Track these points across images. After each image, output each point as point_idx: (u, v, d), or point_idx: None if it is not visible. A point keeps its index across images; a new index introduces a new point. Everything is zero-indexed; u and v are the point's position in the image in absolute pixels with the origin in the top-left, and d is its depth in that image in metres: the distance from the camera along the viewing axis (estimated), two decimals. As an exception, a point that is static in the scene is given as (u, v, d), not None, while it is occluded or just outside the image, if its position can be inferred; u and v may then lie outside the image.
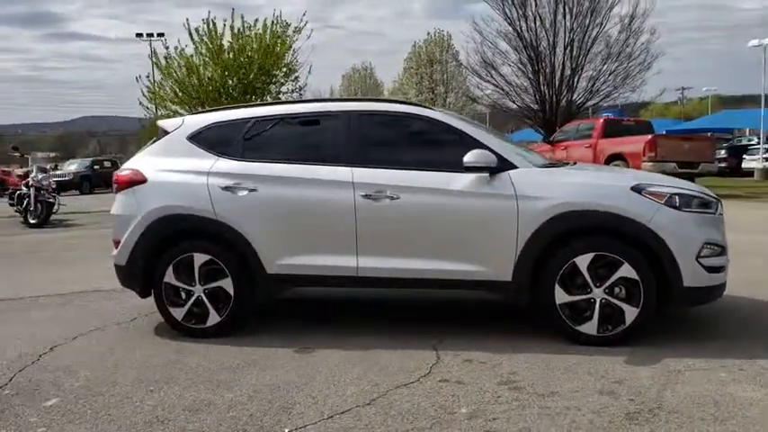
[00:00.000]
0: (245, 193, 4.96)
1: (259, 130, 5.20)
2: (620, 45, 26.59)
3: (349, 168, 4.88)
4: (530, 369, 4.18)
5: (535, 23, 26.71)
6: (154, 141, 5.45)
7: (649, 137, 18.16)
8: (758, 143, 32.92)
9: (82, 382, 4.20)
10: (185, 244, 5.06)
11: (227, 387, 4.03)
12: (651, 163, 17.62)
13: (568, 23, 26.75)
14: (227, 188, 5.00)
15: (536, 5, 26.61)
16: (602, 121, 20.43)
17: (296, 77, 21.04)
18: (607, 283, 4.54)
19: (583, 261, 4.55)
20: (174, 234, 5.08)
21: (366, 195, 4.80)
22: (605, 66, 26.44)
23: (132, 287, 5.34)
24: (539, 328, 4.94)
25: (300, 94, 21.75)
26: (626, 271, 4.50)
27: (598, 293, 4.55)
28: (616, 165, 17.68)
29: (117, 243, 5.24)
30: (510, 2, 26.59)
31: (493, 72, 27.08)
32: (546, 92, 26.58)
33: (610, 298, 4.54)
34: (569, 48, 26.91)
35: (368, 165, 4.89)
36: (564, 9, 26.67)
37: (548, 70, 27.17)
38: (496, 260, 4.68)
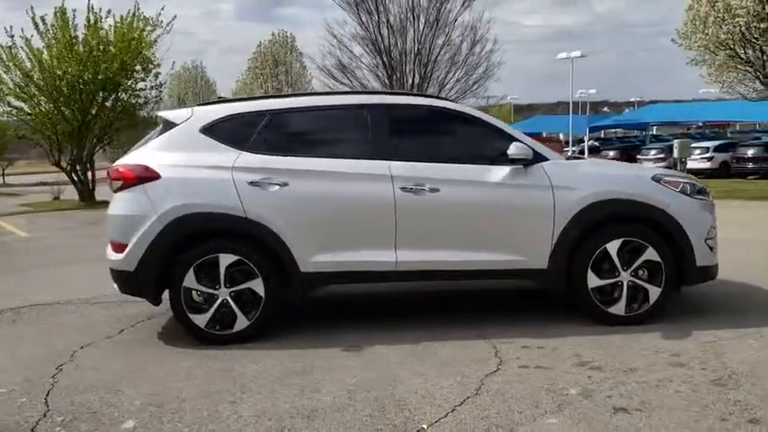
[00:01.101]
0: (276, 188, 4.70)
1: (283, 123, 4.95)
2: (465, 54, 28.13)
3: (386, 162, 4.80)
4: (589, 350, 4.39)
5: (388, 30, 27.50)
6: (157, 134, 4.96)
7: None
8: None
9: (142, 399, 3.75)
10: (209, 244, 4.68)
11: (315, 390, 3.81)
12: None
13: (418, 31, 27.84)
14: (254, 183, 4.69)
15: (388, 12, 27.42)
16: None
17: (156, 74, 19.83)
18: (633, 267, 4.88)
19: (612, 247, 4.85)
20: (196, 234, 4.68)
21: (405, 188, 4.75)
22: (452, 73, 27.85)
23: (141, 294, 4.83)
24: (566, 312, 5.19)
25: (160, 91, 20.59)
26: (650, 254, 4.87)
27: (625, 276, 4.88)
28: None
29: (120, 247, 4.71)
30: (364, 7, 27.17)
31: (349, 75, 27.51)
32: (403, 95, 27.37)
33: (635, 280, 4.89)
34: (418, 55, 27.99)
35: (403, 158, 4.84)
36: (413, 17, 27.73)
37: (398, 75, 28.07)
38: (533, 249, 4.85)
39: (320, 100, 5.12)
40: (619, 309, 4.90)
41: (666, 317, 5.02)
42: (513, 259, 4.86)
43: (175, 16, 19.63)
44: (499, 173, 4.85)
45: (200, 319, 4.69)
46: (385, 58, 27.44)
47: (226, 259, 4.65)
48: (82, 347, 4.77)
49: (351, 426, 3.35)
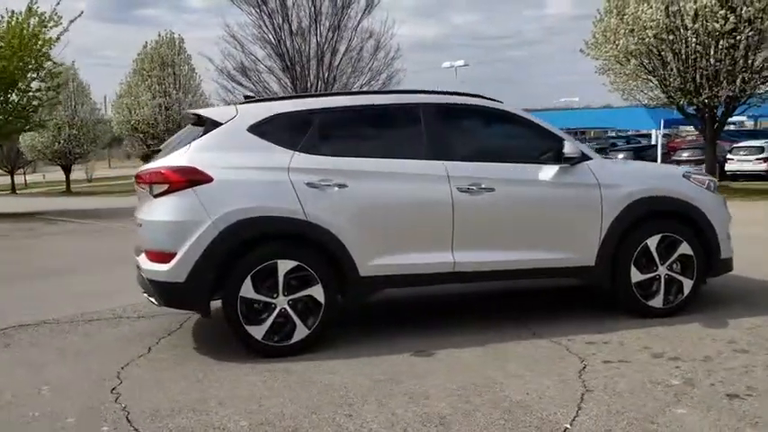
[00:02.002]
0: (335, 189, 4.48)
1: (336, 122, 4.73)
2: (367, 60, 28.22)
3: (441, 162, 4.72)
4: (652, 342, 4.50)
5: (291, 34, 27.12)
6: (200, 134, 4.57)
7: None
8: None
9: (246, 419, 3.44)
10: (267, 250, 4.38)
11: (425, 396, 3.67)
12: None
13: (321, 36, 27.66)
14: (312, 185, 4.46)
15: (290, 16, 27.05)
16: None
17: (54, 73, 18.34)
18: (669, 261, 5.09)
19: (652, 242, 5.04)
20: (254, 240, 4.36)
21: (462, 189, 4.69)
22: (356, 79, 27.84)
23: (190, 307, 4.46)
24: (597, 307, 5.33)
25: (57, 92, 19.09)
26: (684, 248, 5.10)
27: (662, 270, 5.08)
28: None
29: (164, 256, 4.31)
30: (266, 10, 26.66)
31: (252, 78, 26.85)
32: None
33: (671, 273, 5.11)
34: (321, 60, 27.81)
35: (456, 158, 4.78)
36: (316, 22, 27.52)
37: (301, 80, 27.75)
38: (583, 246, 4.94)
39: (372, 99, 4.95)
40: (657, 302, 5.09)
41: (693, 307, 5.27)
42: (565, 257, 4.93)
43: (82, 12, 18.22)
44: (549, 172, 4.90)
45: (258, 331, 4.38)
46: (288, 63, 27.04)
47: (284, 265, 4.38)
48: (123, 368, 4.32)
49: (493, 430, 3.25)
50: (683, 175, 5.30)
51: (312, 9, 26.97)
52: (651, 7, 14.55)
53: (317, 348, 4.50)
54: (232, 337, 4.49)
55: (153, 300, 4.56)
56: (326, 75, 27.67)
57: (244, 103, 4.84)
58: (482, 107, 5.05)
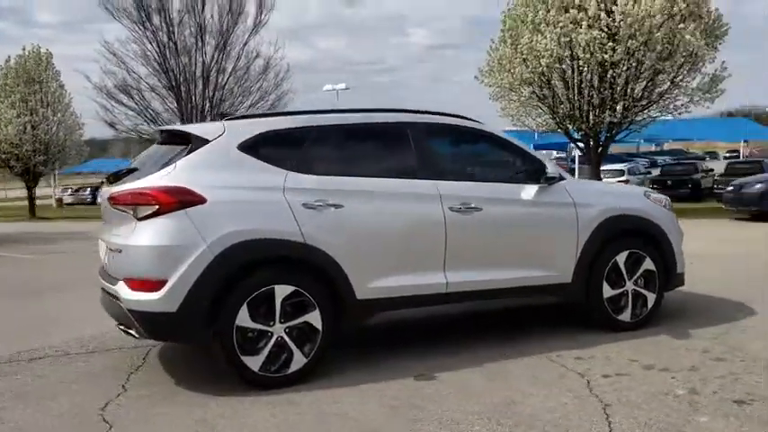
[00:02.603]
0: (332, 210, 4.32)
1: (329, 140, 4.57)
2: (254, 80, 27.71)
3: (432, 182, 4.68)
4: (637, 355, 4.66)
5: (176, 52, 26.16)
6: (184, 152, 4.23)
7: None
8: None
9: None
10: (265, 274, 4.13)
11: (456, 422, 3.58)
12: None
13: (207, 55, 26.88)
14: (308, 206, 4.27)
15: (175, 33, 26.11)
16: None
17: None
18: (635, 276, 5.34)
19: (621, 259, 5.26)
20: (251, 264, 4.10)
21: (453, 208, 4.67)
22: (244, 99, 27.20)
23: (183, 338, 4.12)
24: (564, 323, 5.47)
25: None
26: (648, 264, 5.37)
27: (629, 285, 5.32)
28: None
29: (152, 284, 3.96)
30: (149, 26, 25.57)
31: (135, 97, 25.59)
32: (193, 120, 26.15)
33: (637, 288, 5.36)
34: (207, 79, 27.01)
35: (446, 177, 4.77)
36: (202, 40, 26.75)
37: (185, 100, 26.79)
38: (561, 264, 5.07)
39: (364, 117, 4.79)
40: (626, 316, 5.31)
41: (653, 321, 5.55)
42: (545, 275, 5.02)
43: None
44: (530, 191, 4.99)
45: (254, 362, 4.10)
46: (173, 82, 26.02)
47: (282, 291, 4.15)
48: (102, 409, 3.89)
49: (543, 451, 3.22)
50: (644, 194, 5.59)
51: (198, 27, 26.26)
52: (545, 38, 15.40)
53: (310, 377, 4.29)
54: (210, 368, 4.26)
55: (132, 332, 4.16)
56: (213, 95, 26.96)
57: (229, 119, 4.56)
58: (466, 127, 5.08)
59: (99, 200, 5.17)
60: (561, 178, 5.12)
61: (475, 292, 4.82)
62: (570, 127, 17.55)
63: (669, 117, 18.14)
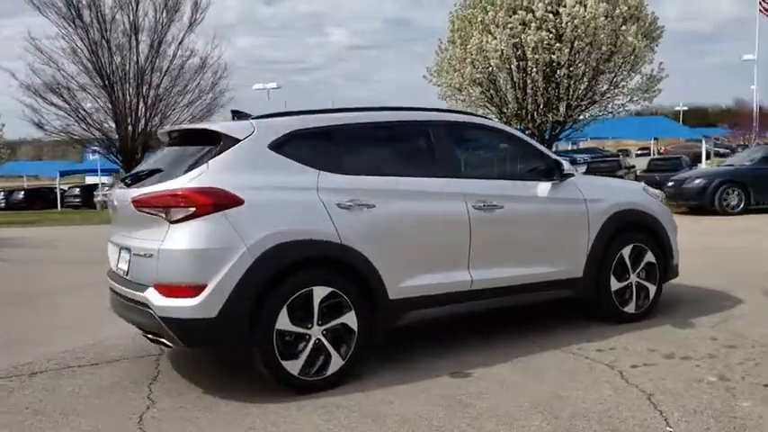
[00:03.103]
0: (365, 210, 4.27)
1: (355, 139, 4.50)
2: (189, 80, 27.00)
3: (456, 180, 4.70)
4: (654, 344, 4.83)
5: (108, 50, 25.16)
6: (214, 152, 4.07)
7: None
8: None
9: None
10: (304, 276, 4.04)
11: (512, 417, 3.60)
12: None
13: (141, 53, 25.99)
14: (342, 206, 4.20)
15: (108, 31, 25.11)
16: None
17: None
18: (638, 269, 5.52)
19: (626, 252, 5.42)
20: (292, 266, 4.00)
21: (477, 206, 4.70)
22: (181, 98, 26.44)
23: (224, 345, 4.00)
24: (569, 316, 5.60)
25: None
26: (649, 257, 5.56)
27: (633, 278, 5.49)
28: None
29: (193, 289, 3.80)
30: (80, 23, 24.47)
31: (66, 95, 24.42)
32: (128, 120, 25.26)
33: (640, 280, 5.54)
34: (142, 78, 26.13)
35: (468, 176, 4.80)
36: (136, 38, 25.85)
37: (120, 99, 25.81)
38: (574, 259, 5.18)
39: (390, 115, 4.73)
40: (630, 308, 5.48)
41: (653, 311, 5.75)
42: (560, 270, 5.12)
43: None
44: (544, 188, 5.08)
45: (293, 366, 4.01)
46: (106, 80, 25.02)
47: (320, 292, 4.07)
48: (138, 424, 3.71)
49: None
50: (643, 189, 5.79)
51: (131, 25, 25.33)
52: (495, 38, 15.72)
53: (345, 379, 4.22)
54: (230, 374, 4.20)
55: (163, 341, 3.99)
56: (148, 94, 26.09)
57: (256, 117, 4.42)
58: (483, 125, 5.12)
59: (113, 202, 4.86)
60: (571, 174, 5.24)
61: (497, 288, 4.85)
62: (517, 126, 17.97)
63: (609, 116, 18.85)
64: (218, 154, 4.05)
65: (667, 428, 3.41)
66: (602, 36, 15.47)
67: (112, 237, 4.63)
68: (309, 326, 4.06)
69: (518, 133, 5.32)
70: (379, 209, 4.31)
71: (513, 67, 16.38)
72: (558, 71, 16.01)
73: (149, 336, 4.16)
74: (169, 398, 4.11)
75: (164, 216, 3.89)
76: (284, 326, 3.96)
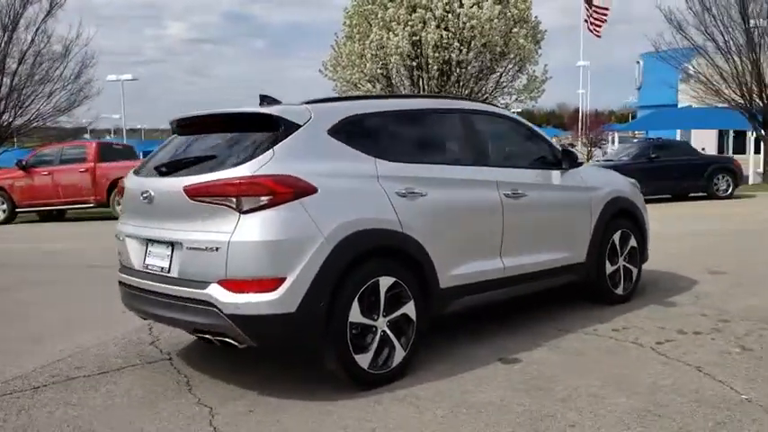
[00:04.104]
0: (419, 198, 4.19)
1: (403, 126, 4.40)
2: (50, 67, 24.85)
3: (489, 168, 4.75)
4: (658, 323, 5.16)
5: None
6: (273, 137, 3.80)
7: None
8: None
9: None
10: (372, 266, 3.90)
11: (598, 396, 3.71)
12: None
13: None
14: (400, 194, 4.11)
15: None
16: (95, 144, 19.37)
17: None
18: (624, 253, 5.87)
19: (616, 237, 5.75)
20: (364, 256, 3.84)
21: (508, 194, 4.78)
22: (42, 87, 24.21)
23: (302, 341, 3.74)
24: (572, 302, 5.84)
25: None
26: (632, 241, 5.94)
27: (621, 262, 5.84)
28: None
29: (270, 283, 3.55)
30: None
31: None
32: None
33: (626, 264, 5.90)
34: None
35: (497, 164, 4.88)
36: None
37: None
38: (581, 244, 5.41)
39: (432, 103, 4.67)
40: (620, 290, 5.82)
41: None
42: (569, 255, 5.32)
43: None
44: (556, 177, 5.26)
45: (364, 359, 3.86)
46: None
47: (385, 283, 3.95)
48: None
49: (700, 411, 3.48)
50: (624, 179, 6.16)
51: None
52: (397, 35, 15.91)
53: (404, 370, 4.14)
54: (260, 370, 4.09)
55: (230, 341, 3.68)
56: (1, 81, 23.62)
57: (310, 102, 4.18)
58: (503, 114, 5.20)
59: (136, 193, 4.31)
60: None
61: (522, 275, 4.95)
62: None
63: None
64: (281, 140, 3.80)
65: (742, 396, 3.67)
66: (497, 37, 16.18)
67: (130, 231, 4.21)
68: (376, 317, 3.93)
69: (528, 123, 5.46)
70: (429, 197, 4.26)
71: (413, 64, 16.68)
72: (457, 70, 16.54)
73: (206, 336, 3.82)
74: (225, 403, 3.80)
75: (233, 206, 3.59)
76: (356, 318, 3.81)
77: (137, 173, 4.38)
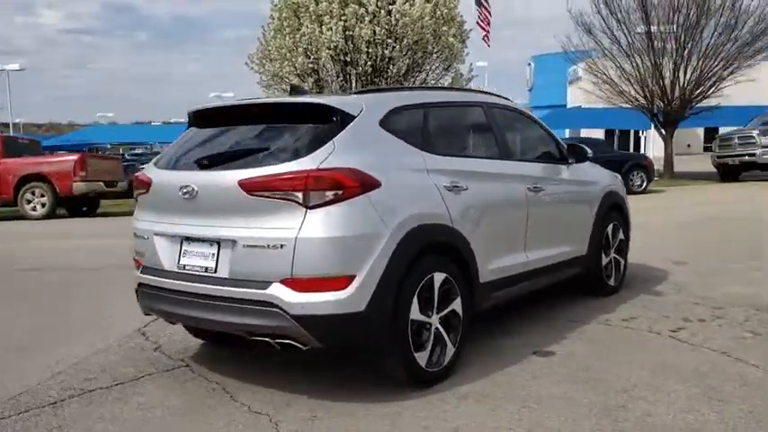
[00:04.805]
0: (463, 193, 4.13)
1: (442, 119, 4.32)
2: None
3: (515, 162, 4.77)
4: (666, 311, 5.35)
5: None
6: (329, 129, 3.61)
7: (78, 156, 17.21)
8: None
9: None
10: (429, 262, 3.79)
11: (661, 385, 3.79)
12: (84, 183, 16.80)
13: None
14: (447, 188, 4.03)
15: None
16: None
17: None
18: (615, 246, 6.06)
19: (609, 229, 5.92)
20: (421, 251, 3.73)
21: (530, 188, 4.82)
22: None
23: (370, 341, 3.58)
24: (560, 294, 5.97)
25: None
26: (620, 233, 6.14)
27: (611, 254, 6.02)
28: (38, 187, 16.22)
29: (340, 281, 3.39)
30: None
31: None
32: None
33: (616, 255, 6.09)
34: None
35: (519, 158, 4.90)
36: None
37: None
38: (585, 237, 5.53)
39: (461, 96, 4.58)
40: (612, 281, 6.01)
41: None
42: (574, 248, 5.42)
43: None
44: (565, 171, 5.34)
45: (422, 357, 3.77)
46: None
47: (438, 278, 3.86)
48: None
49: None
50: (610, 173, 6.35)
51: None
52: (330, 29, 15.70)
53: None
54: (285, 369, 3.92)
55: (295, 343, 3.47)
56: None
57: (358, 92, 4.00)
58: (518, 109, 5.21)
59: (172, 186, 3.89)
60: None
61: (542, 269, 4.99)
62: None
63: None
64: (339, 131, 3.63)
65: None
66: (429, 35, 16.33)
67: (160, 228, 3.90)
68: (430, 314, 3.84)
69: (537, 118, 5.52)
70: (470, 191, 4.20)
71: (346, 59, 16.52)
72: (389, 66, 16.56)
73: (264, 339, 3.57)
74: (282, 408, 3.59)
75: (298, 200, 3.38)
76: (415, 315, 3.71)
77: (164, 166, 4.05)
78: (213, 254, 3.63)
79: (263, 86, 17.58)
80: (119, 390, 3.97)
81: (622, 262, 6.15)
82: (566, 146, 5.50)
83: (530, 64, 60.04)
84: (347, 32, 15.77)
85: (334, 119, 3.67)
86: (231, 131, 4.00)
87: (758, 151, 21.12)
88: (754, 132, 21.30)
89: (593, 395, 3.66)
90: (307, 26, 15.90)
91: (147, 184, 4.02)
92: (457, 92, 4.76)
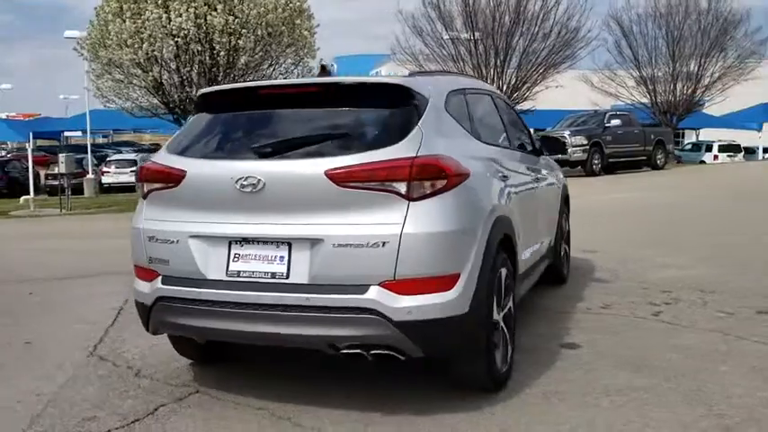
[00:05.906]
0: (506, 182, 3.96)
1: (479, 107, 4.10)
2: None
3: (521, 153, 4.71)
4: (635, 295, 5.57)
5: None
6: (409, 113, 3.21)
7: None
8: None
9: None
10: (501, 257, 3.55)
11: (719, 367, 3.91)
12: None
13: None
14: (500, 178, 3.84)
15: None
16: None
17: None
18: (565, 236, 6.23)
19: (563, 222, 6.09)
20: (499, 245, 3.48)
21: (535, 179, 4.80)
22: None
23: (471, 346, 3.23)
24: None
25: None
26: (567, 225, 6.34)
27: (563, 244, 6.18)
28: None
29: (446, 281, 3.06)
30: None
31: None
32: None
33: (565, 245, 6.26)
34: None
35: (520, 149, 4.85)
36: None
37: None
38: (551, 229, 5.59)
39: (475, 82, 4.34)
40: (565, 270, 6.18)
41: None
42: (548, 240, 5.42)
43: None
44: (541, 163, 5.34)
45: (498, 358, 3.53)
46: None
47: (503, 274, 3.65)
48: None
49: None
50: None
51: None
52: (180, 16, 14.48)
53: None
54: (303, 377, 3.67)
55: (396, 354, 3.05)
56: None
57: (412, 75, 3.60)
58: (506, 99, 5.14)
59: (223, 179, 3.02)
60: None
61: (539, 260, 4.98)
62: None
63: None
64: (421, 115, 3.26)
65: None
66: (283, 27, 15.76)
67: (199, 230, 3.25)
68: (498, 312, 3.61)
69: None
70: (510, 181, 4.04)
71: (198, 48, 15.36)
72: (243, 56, 15.70)
73: (356, 351, 3.08)
74: (334, 424, 3.17)
75: (400, 192, 2.98)
76: (495, 314, 3.47)
77: (201, 155, 3.37)
78: (282, 256, 3.09)
79: (95, 75, 15.82)
80: (139, 428, 3.25)
81: (569, 252, 6.35)
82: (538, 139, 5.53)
83: (333, 65, 60.97)
84: (198, 20, 14.70)
85: (414, 102, 3.30)
86: (287, 115, 3.45)
87: (569, 150, 23.42)
88: (566, 133, 23.52)
89: (659, 382, 3.66)
90: (151, 11, 14.56)
91: (177, 177, 3.31)
92: (467, 78, 4.57)
